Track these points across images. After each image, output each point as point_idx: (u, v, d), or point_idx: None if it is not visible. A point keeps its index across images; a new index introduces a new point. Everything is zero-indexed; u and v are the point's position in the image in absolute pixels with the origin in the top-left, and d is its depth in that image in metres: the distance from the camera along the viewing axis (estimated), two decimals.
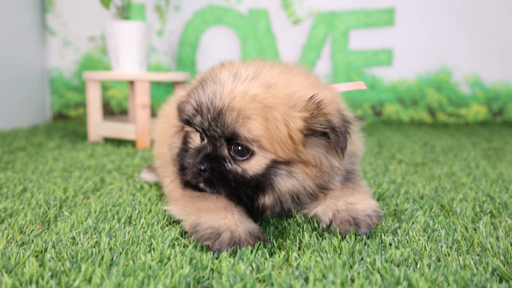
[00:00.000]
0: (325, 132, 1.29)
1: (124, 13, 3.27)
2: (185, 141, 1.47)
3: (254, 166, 1.32)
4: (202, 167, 1.33)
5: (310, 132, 1.29)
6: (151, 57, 4.78)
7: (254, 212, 1.42)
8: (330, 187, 1.46)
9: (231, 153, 1.34)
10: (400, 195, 1.82)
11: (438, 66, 4.82)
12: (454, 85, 4.83)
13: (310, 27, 4.78)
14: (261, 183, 1.33)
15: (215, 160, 1.34)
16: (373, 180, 2.07)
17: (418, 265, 1.14)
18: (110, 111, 4.87)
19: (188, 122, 1.40)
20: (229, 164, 1.34)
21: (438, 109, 4.88)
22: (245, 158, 1.33)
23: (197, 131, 1.41)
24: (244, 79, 1.34)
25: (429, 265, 1.13)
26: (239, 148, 1.32)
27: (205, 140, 1.39)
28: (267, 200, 1.37)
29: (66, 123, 4.46)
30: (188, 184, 1.42)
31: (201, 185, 1.38)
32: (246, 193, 1.34)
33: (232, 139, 1.31)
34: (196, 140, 1.44)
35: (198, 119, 1.35)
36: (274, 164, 1.30)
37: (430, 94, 4.86)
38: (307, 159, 1.31)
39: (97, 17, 4.63)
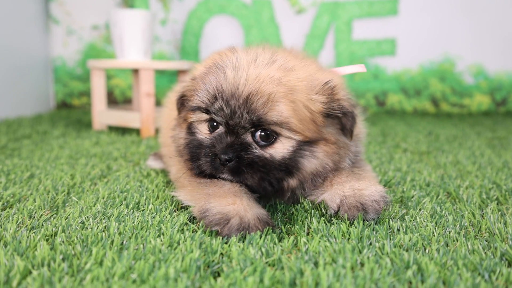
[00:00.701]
0: (337, 115, 1.36)
1: (128, 1, 3.26)
2: (191, 131, 1.46)
3: (280, 150, 1.34)
4: (227, 157, 1.32)
5: (325, 115, 1.35)
6: (155, 46, 4.77)
7: (276, 195, 1.47)
8: (342, 166, 1.48)
9: (255, 139, 1.35)
10: (406, 182, 1.83)
11: (442, 56, 4.80)
12: (457, 75, 4.82)
13: (314, 17, 4.77)
14: (289, 165, 1.35)
15: (241, 148, 1.33)
16: (379, 168, 2.07)
17: (427, 250, 1.14)
18: (114, 100, 4.87)
19: (203, 109, 1.38)
20: (257, 151, 1.34)
21: (441, 99, 4.87)
22: (269, 143, 1.34)
23: (213, 119, 1.38)
24: (265, 63, 1.35)
25: (438, 250, 1.13)
26: (264, 133, 1.33)
27: (221, 129, 1.38)
28: (292, 182, 1.40)
29: (70, 112, 4.46)
30: (204, 174, 1.41)
31: (224, 175, 1.36)
32: (277, 177, 1.36)
33: (259, 124, 1.31)
34: (203, 130, 1.43)
35: (217, 106, 1.33)
36: (300, 145, 1.34)
37: (433, 84, 4.85)
38: (327, 137, 1.37)
39: (101, 6, 4.62)
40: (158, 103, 4.06)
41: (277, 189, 1.40)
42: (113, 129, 3.36)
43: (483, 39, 4.76)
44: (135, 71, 3.53)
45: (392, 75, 4.86)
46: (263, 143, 1.34)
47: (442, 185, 1.78)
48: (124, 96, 4.88)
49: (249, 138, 1.35)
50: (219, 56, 1.48)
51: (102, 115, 3.27)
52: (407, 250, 1.14)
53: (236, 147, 1.33)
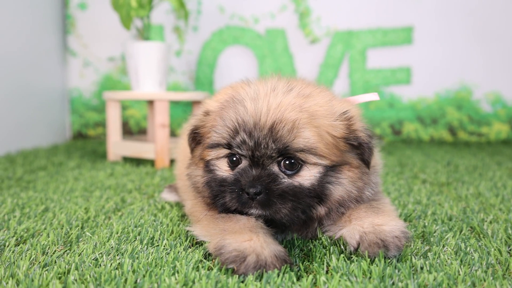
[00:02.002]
0: (353, 145, 1.37)
1: (144, 34, 3.29)
2: (209, 169, 1.42)
3: (307, 177, 1.32)
4: (256, 190, 1.28)
5: (345, 141, 1.36)
6: (169, 77, 4.80)
7: (304, 226, 1.45)
8: (364, 197, 1.45)
9: (281, 168, 1.32)
10: (427, 216, 1.78)
11: (458, 84, 4.77)
12: (474, 103, 4.77)
13: (328, 46, 4.77)
14: (318, 191, 1.34)
15: (269, 179, 1.30)
16: (398, 200, 2.02)
17: None
18: (129, 130, 4.89)
19: (225, 145, 1.35)
20: (285, 180, 1.32)
21: (458, 127, 4.82)
22: (295, 171, 1.32)
23: (233, 154, 1.36)
24: (284, 92, 1.35)
25: None
26: (289, 162, 1.32)
27: (244, 163, 1.35)
28: (321, 210, 1.38)
29: (85, 143, 4.47)
30: (229, 211, 1.37)
31: (253, 210, 1.32)
32: (309, 204, 1.34)
33: (285, 152, 1.29)
34: (222, 166, 1.40)
35: (238, 139, 1.31)
36: (326, 171, 1.33)
37: (450, 113, 4.80)
38: (351, 161, 1.37)
39: (117, 38, 4.67)
40: (172, 133, 4.05)
41: (309, 217, 1.38)
42: (127, 160, 3.35)
43: (500, 66, 4.72)
44: (150, 102, 3.53)
45: (408, 103, 4.82)
46: (289, 172, 1.32)
47: (465, 219, 1.73)
48: (139, 127, 4.90)
49: (275, 168, 1.32)
50: (232, 89, 1.47)
51: (117, 146, 3.27)
52: None
53: (264, 179, 1.30)
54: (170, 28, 4.78)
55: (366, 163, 1.39)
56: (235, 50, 4.81)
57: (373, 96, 1.60)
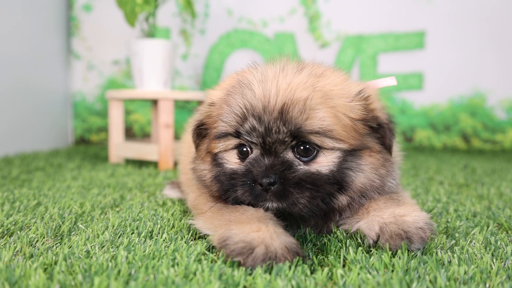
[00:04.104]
0: (373, 127, 1.25)
1: (150, 32, 3.19)
2: (217, 163, 1.31)
3: (325, 163, 1.21)
4: (270, 180, 1.16)
5: (364, 123, 1.24)
6: (175, 81, 4.70)
7: (325, 218, 1.31)
8: (386, 188, 1.33)
9: (295, 155, 1.20)
10: (450, 213, 1.65)
11: (472, 91, 4.63)
12: (488, 110, 4.63)
13: (338, 51, 4.67)
14: (338, 178, 1.21)
15: (284, 167, 1.18)
16: (416, 198, 1.90)
17: (487, 285, 0.96)
18: (133, 135, 4.77)
19: (233, 134, 1.24)
20: (301, 167, 1.19)
21: (472, 134, 4.67)
22: (311, 157, 1.21)
23: (244, 144, 1.25)
24: (294, 72, 1.24)
25: (501, 284, 0.95)
26: (303, 147, 1.20)
27: (255, 152, 1.23)
28: (343, 199, 1.25)
29: (87, 147, 4.36)
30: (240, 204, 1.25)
31: (268, 203, 1.19)
32: (329, 192, 1.21)
33: (298, 136, 1.17)
34: (231, 159, 1.29)
35: (247, 126, 1.20)
36: (345, 156, 1.21)
37: (463, 119, 4.66)
38: (371, 145, 1.24)
39: (122, 41, 4.58)
40: (177, 137, 3.93)
41: (329, 207, 1.24)
42: (130, 162, 3.23)
43: None
44: (155, 103, 3.42)
45: (420, 110, 4.69)
46: (305, 158, 1.20)
47: (491, 216, 1.60)
48: (143, 132, 4.79)
49: (290, 155, 1.20)
50: (238, 75, 1.35)
51: (119, 147, 3.15)
52: (464, 284, 0.96)
53: (278, 167, 1.17)
54: (176, 31, 4.69)
55: (388, 147, 1.26)
56: (243, 53, 4.71)
57: (390, 81, 1.48)
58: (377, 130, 1.25)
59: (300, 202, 1.17)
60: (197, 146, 1.42)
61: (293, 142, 1.19)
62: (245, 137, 1.22)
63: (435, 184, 2.32)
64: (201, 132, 1.39)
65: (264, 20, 4.67)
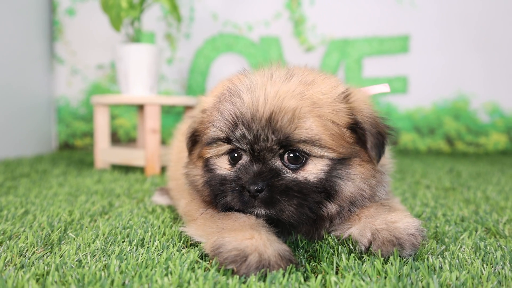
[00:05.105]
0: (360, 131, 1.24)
1: (135, 37, 3.17)
2: (209, 168, 1.31)
3: (313, 171, 1.21)
4: (257, 187, 1.16)
5: (352, 130, 1.24)
6: (161, 85, 4.68)
7: (314, 226, 1.31)
8: (377, 197, 1.33)
9: (284, 162, 1.20)
10: (438, 217, 1.66)
11: (455, 94, 4.69)
12: (472, 113, 4.69)
13: (323, 55, 4.69)
14: (326, 186, 1.21)
15: (271, 175, 1.18)
16: (404, 203, 1.91)
17: None
18: (118, 140, 4.74)
19: (224, 139, 1.24)
20: (289, 175, 1.20)
21: (456, 138, 4.72)
22: (300, 164, 1.21)
23: (235, 150, 1.25)
24: (282, 79, 1.24)
25: None
26: (293, 155, 1.20)
27: (244, 159, 1.24)
28: (332, 208, 1.25)
29: (72, 153, 4.32)
30: (230, 210, 1.25)
31: (256, 210, 1.20)
32: (316, 201, 1.21)
33: (287, 145, 1.18)
34: (223, 165, 1.29)
35: (239, 133, 1.20)
36: (334, 164, 1.21)
37: (447, 123, 4.71)
38: (361, 154, 1.24)
39: (106, 45, 4.55)
40: (163, 142, 3.92)
41: (317, 215, 1.24)
42: (116, 167, 3.21)
43: (498, 76, 4.65)
44: (140, 108, 3.41)
45: (405, 113, 4.73)
46: (293, 166, 1.20)
47: (479, 220, 1.61)
48: (129, 137, 4.76)
49: (278, 162, 1.21)
50: (229, 81, 1.36)
51: (105, 153, 3.13)
52: None
53: (265, 174, 1.18)
54: (161, 35, 4.68)
55: (370, 153, 1.23)
56: (228, 58, 4.71)
57: (383, 88, 1.49)
58: (365, 135, 1.24)
59: (288, 209, 1.18)
60: (190, 151, 1.42)
61: (281, 150, 1.19)
62: (235, 143, 1.22)
63: (422, 188, 2.34)
64: (195, 139, 1.39)
65: (249, 24, 4.68)
